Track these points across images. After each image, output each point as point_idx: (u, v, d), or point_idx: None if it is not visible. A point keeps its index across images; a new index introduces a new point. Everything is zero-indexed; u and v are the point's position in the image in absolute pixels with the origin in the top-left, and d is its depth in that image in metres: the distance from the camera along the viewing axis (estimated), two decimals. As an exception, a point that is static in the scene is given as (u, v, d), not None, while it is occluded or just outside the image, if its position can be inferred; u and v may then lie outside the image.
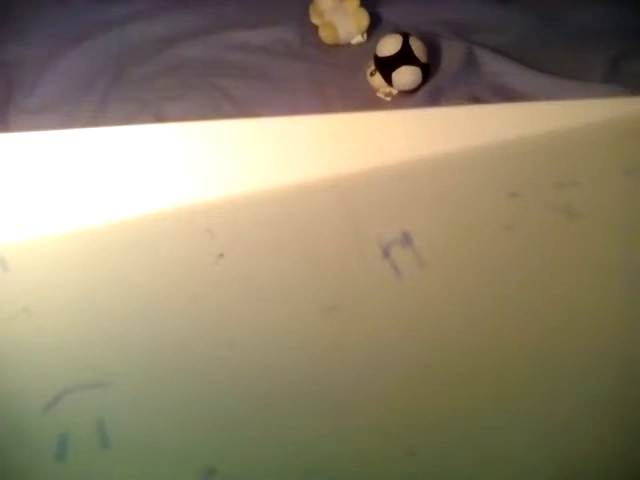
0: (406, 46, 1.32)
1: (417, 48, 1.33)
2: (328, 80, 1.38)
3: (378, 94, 1.37)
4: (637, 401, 0.65)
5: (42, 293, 0.68)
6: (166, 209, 0.70)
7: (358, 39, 1.47)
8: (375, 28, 1.48)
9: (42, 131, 0.74)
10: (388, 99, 1.36)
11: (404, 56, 1.32)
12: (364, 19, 1.43)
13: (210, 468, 0.63)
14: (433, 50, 1.40)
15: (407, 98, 1.35)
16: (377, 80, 1.36)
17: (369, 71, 1.37)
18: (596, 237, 0.70)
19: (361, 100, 1.34)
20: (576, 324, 0.67)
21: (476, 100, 1.30)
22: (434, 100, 1.32)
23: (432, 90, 1.36)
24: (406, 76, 1.32)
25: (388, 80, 1.34)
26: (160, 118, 1.29)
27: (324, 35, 1.45)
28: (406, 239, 0.69)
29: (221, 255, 0.69)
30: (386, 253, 0.69)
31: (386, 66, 1.33)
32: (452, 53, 1.41)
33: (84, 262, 0.69)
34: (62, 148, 0.74)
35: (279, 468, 0.64)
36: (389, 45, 1.34)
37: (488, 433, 0.64)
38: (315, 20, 1.50)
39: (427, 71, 1.35)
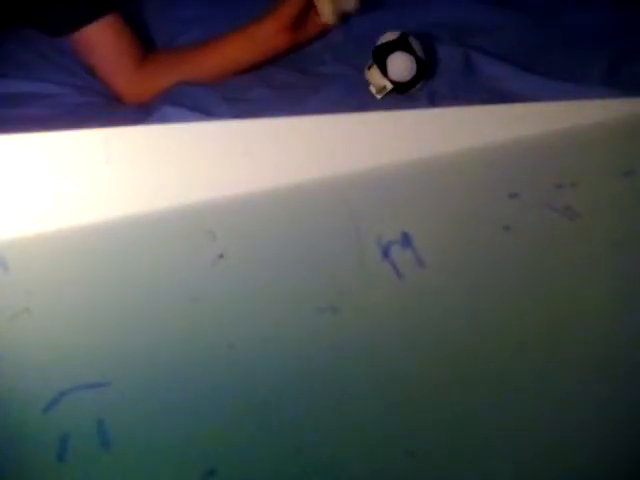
0: (404, 37, 1.33)
1: (415, 43, 1.34)
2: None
3: (370, 88, 1.36)
4: (637, 401, 0.65)
5: (43, 293, 0.68)
6: (166, 209, 0.71)
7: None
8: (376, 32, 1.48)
9: (42, 132, 0.74)
10: (379, 96, 1.35)
11: (400, 44, 1.33)
12: None
13: (210, 468, 0.63)
14: (431, 54, 1.40)
15: (399, 102, 1.34)
16: (373, 73, 1.36)
17: (367, 65, 1.37)
18: (595, 238, 0.71)
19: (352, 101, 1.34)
20: (576, 324, 0.68)
21: (475, 104, 1.30)
22: (432, 105, 1.32)
23: (430, 94, 1.36)
24: (400, 62, 1.32)
25: (383, 70, 1.34)
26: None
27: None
28: (406, 239, 0.69)
29: (221, 256, 0.69)
30: (386, 253, 0.69)
31: (382, 53, 1.34)
32: (450, 57, 1.41)
33: (84, 262, 0.69)
34: (62, 148, 0.74)
35: (279, 468, 0.64)
36: (387, 35, 1.35)
37: (488, 433, 0.64)
38: None
39: (423, 69, 1.35)
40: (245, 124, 0.75)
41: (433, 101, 1.34)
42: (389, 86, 1.34)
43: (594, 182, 0.72)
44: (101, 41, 1.33)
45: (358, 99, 1.33)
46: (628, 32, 1.38)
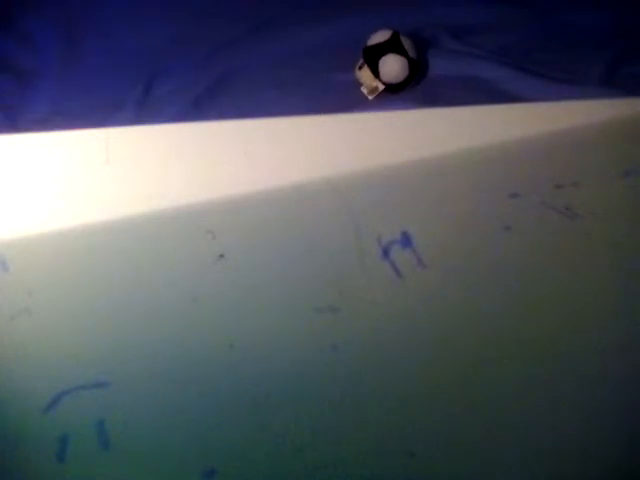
0: (395, 38, 1.33)
1: (406, 43, 1.34)
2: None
3: (362, 89, 1.36)
4: (637, 401, 0.65)
5: (42, 293, 0.68)
6: (167, 209, 0.71)
7: None
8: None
9: (43, 132, 0.74)
10: (370, 97, 1.35)
11: (392, 45, 1.33)
12: None
13: (210, 468, 0.63)
14: (429, 53, 1.40)
15: (392, 101, 1.34)
16: (365, 73, 1.35)
17: (358, 64, 1.36)
18: (595, 238, 0.71)
19: (345, 99, 1.34)
20: (575, 324, 0.68)
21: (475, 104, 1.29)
22: (432, 105, 1.32)
23: (428, 95, 1.36)
24: (392, 64, 1.32)
25: (375, 71, 1.34)
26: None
27: None
28: (406, 239, 0.69)
29: (221, 255, 0.69)
30: (386, 253, 0.69)
31: (373, 54, 1.34)
32: (450, 57, 1.41)
33: (84, 262, 0.69)
34: (62, 148, 0.74)
35: (279, 468, 0.64)
36: (378, 36, 1.34)
37: (488, 433, 0.64)
38: None
39: (415, 69, 1.35)
40: (245, 124, 0.75)
41: (431, 101, 1.34)
42: (381, 87, 1.34)
43: (594, 182, 0.72)
44: None
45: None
46: (628, 32, 1.38)
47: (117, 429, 0.64)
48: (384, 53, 1.33)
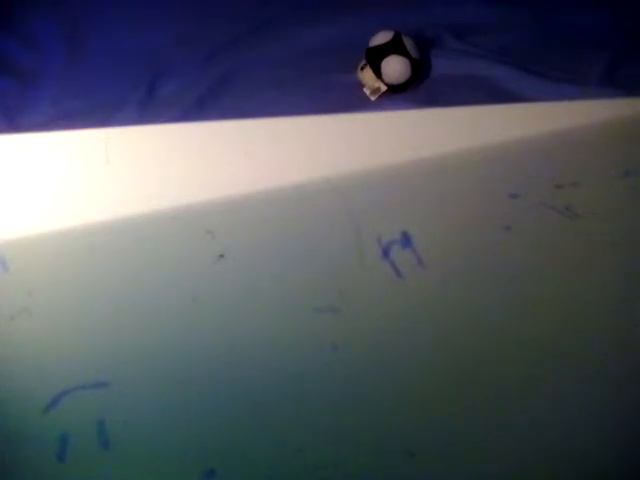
0: (397, 39, 1.33)
1: (408, 43, 1.34)
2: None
3: (364, 90, 1.36)
4: (637, 401, 0.65)
5: (42, 293, 0.68)
6: (167, 209, 0.71)
7: None
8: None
9: (44, 132, 0.74)
10: (373, 98, 1.35)
11: (394, 46, 1.33)
12: None
13: (210, 468, 0.63)
14: (430, 53, 1.40)
15: (394, 101, 1.34)
16: (367, 74, 1.36)
17: (360, 65, 1.37)
18: (595, 238, 0.71)
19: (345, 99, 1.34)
20: (575, 324, 0.67)
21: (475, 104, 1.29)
22: (432, 105, 1.32)
23: (430, 95, 1.36)
24: (395, 65, 1.32)
25: (377, 72, 1.34)
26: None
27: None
28: (406, 239, 0.69)
29: (221, 255, 0.69)
30: (386, 253, 0.69)
31: (376, 56, 1.34)
32: (450, 56, 1.41)
33: (85, 262, 0.69)
34: (62, 148, 0.74)
35: (279, 468, 0.64)
36: (380, 37, 1.35)
37: (488, 433, 0.64)
38: None
39: (417, 69, 1.35)
40: (245, 124, 0.75)
41: (433, 101, 1.34)
42: (383, 88, 1.35)
43: (594, 182, 0.72)
44: None
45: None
46: (628, 32, 1.38)
47: (117, 429, 0.64)
48: (386, 54, 1.34)
